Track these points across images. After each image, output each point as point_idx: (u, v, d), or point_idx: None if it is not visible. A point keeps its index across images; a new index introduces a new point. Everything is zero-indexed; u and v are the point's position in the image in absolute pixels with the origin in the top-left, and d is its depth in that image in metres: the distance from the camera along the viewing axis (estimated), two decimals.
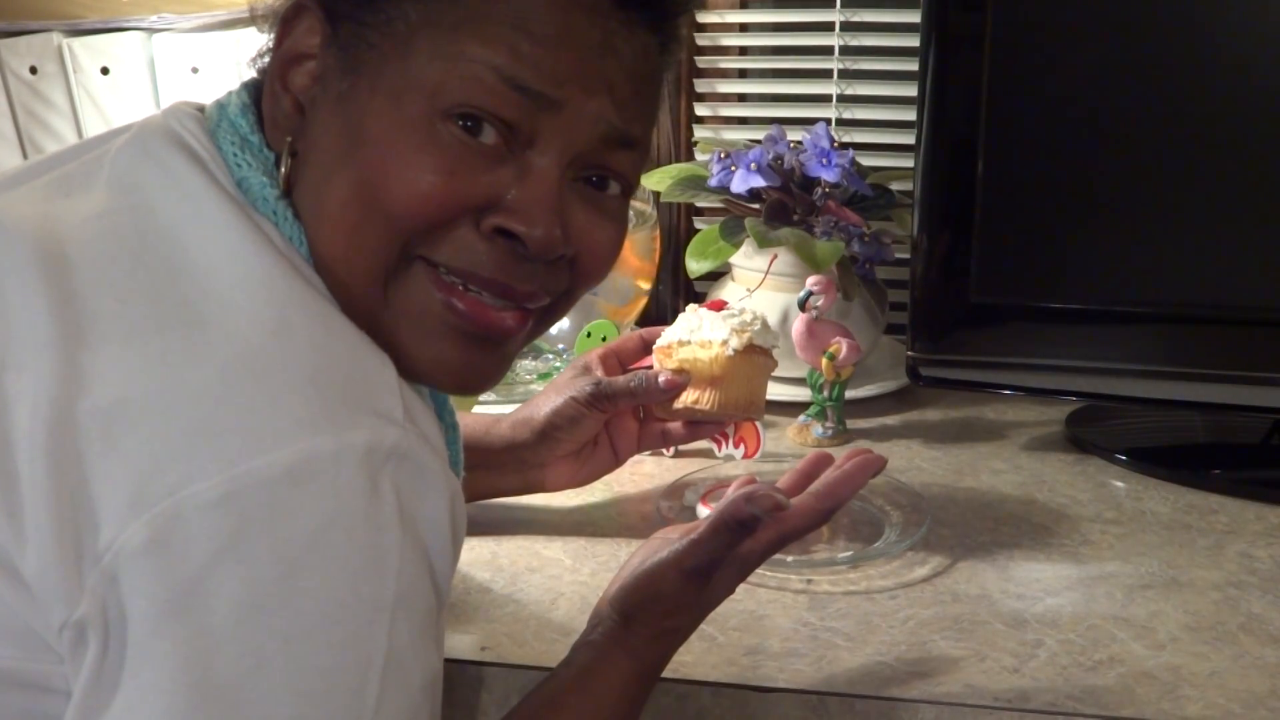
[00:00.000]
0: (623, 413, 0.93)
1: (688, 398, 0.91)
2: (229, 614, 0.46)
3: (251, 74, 0.64)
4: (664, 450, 1.09)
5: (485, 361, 0.61)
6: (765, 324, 0.94)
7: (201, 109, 0.63)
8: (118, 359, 0.48)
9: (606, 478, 1.04)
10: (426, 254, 0.58)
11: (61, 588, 0.47)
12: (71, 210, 0.56)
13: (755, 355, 0.92)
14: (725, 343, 0.90)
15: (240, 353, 0.49)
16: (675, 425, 0.95)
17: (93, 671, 0.47)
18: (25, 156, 1.34)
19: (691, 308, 0.95)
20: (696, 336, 0.91)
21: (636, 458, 1.08)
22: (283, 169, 0.59)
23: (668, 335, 0.93)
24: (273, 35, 0.61)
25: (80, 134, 1.34)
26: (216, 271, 0.52)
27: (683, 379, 0.91)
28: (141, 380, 0.48)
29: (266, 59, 0.63)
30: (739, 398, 0.91)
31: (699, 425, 0.95)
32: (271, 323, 0.51)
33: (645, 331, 0.97)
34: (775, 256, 1.11)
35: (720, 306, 0.94)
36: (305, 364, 0.50)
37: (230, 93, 0.63)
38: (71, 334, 0.49)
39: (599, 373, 0.93)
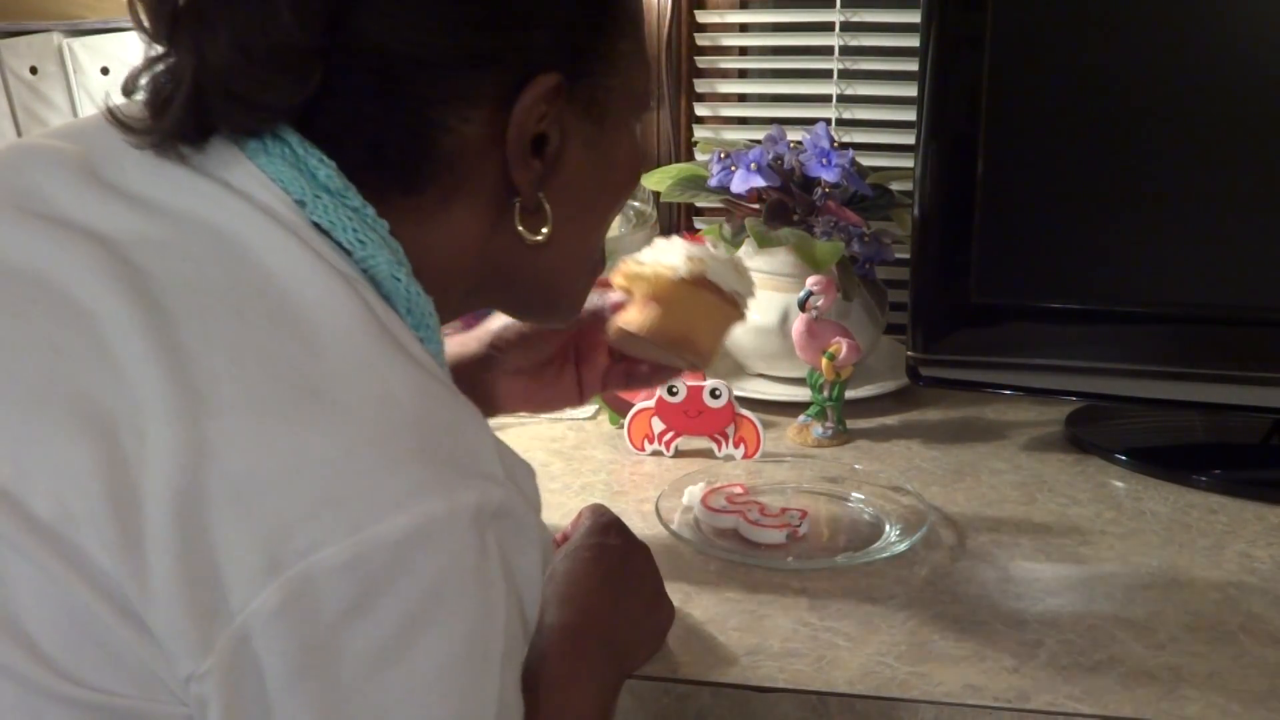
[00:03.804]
0: (593, 345, 0.88)
1: (624, 316, 0.83)
2: (357, 669, 0.49)
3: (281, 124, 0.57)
4: (664, 450, 1.09)
5: None
6: (736, 267, 0.84)
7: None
8: (243, 429, 0.49)
9: (606, 478, 1.04)
10: None
11: (189, 643, 0.48)
12: (143, 243, 0.54)
13: (706, 292, 0.82)
14: (674, 267, 0.82)
15: (355, 424, 0.50)
16: (641, 366, 0.88)
17: None
18: None
19: (673, 237, 0.87)
20: (654, 259, 0.84)
21: (636, 457, 1.09)
22: (525, 222, 0.63)
23: (634, 256, 0.85)
24: (503, 105, 0.59)
25: None
26: (322, 341, 0.52)
27: (622, 296, 0.84)
28: (268, 451, 0.49)
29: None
30: (673, 330, 0.82)
31: (662, 369, 0.88)
32: (377, 396, 0.52)
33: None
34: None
35: (699, 240, 0.87)
36: (413, 433, 0.52)
37: (307, 158, 0.57)
38: (191, 398, 0.49)
39: None
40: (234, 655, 0.48)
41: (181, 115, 0.55)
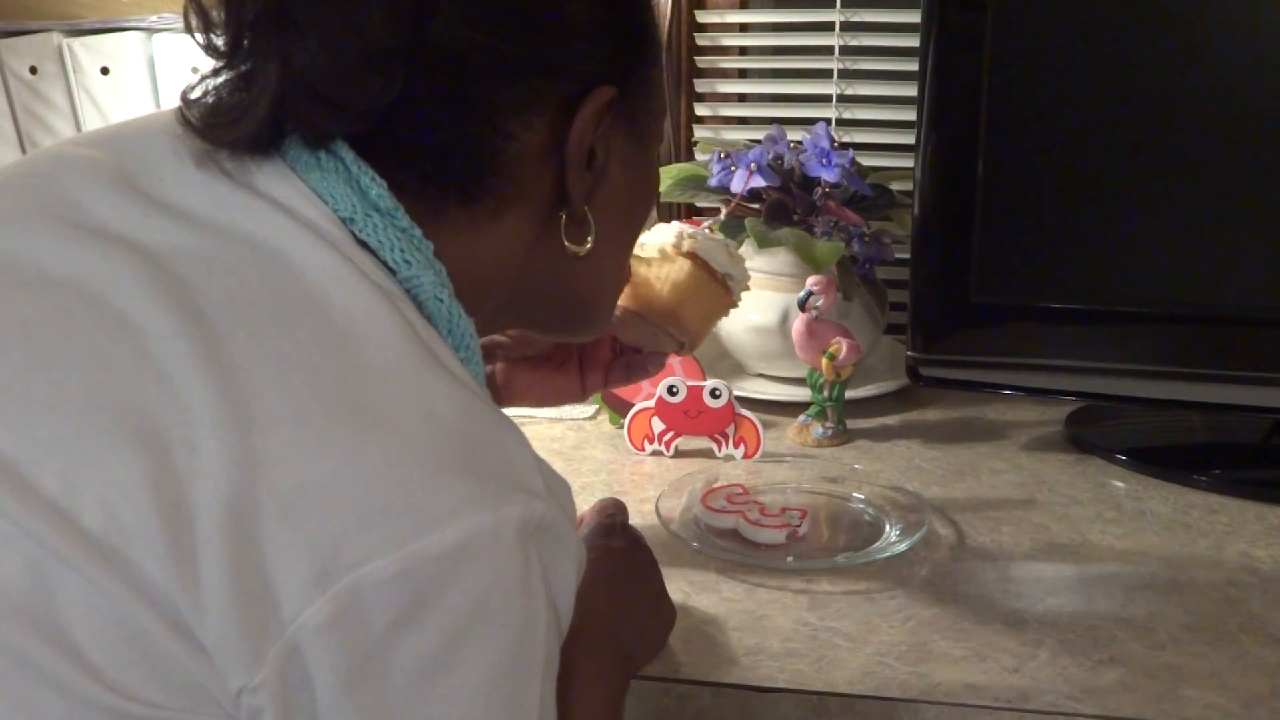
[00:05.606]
0: (599, 342, 0.87)
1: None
2: (404, 681, 0.49)
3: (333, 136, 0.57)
4: (664, 450, 1.09)
5: None
6: (729, 251, 0.85)
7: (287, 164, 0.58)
8: (291, 443, 0.50)
9: (606, 478, 1.04)
10: None
11: (241, 656, 0.48)
12: (185, 256, 0.54)
13: (695, 266, 0.83)
14: (662, 246, 0.83)
15: (401, 439, 0.51)
16: (637, 356, 0.87)
17: None
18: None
19: (673, 222, 0.88)
20: (651, 239, 0.85)
21: (636, 457, 1.09)
22: (571, 233, 0.65)
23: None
24: (564, 116, 0.61)
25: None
26: (366, 356, 0.53)
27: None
28: (316, 465, 0.49)
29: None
30: (659, 301, 0.83)
31: (652, 355, 0.87)
32: (421, 412, 0.52)
33: None
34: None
35: (697, 225, 0.88)
36: (458, 449, 0.52)
37: (360, 176, 0.57)
38: (240, 412, 0.49)
39: None
40: (285, 668, 0.48)
41: (262, 121, 0.55)
